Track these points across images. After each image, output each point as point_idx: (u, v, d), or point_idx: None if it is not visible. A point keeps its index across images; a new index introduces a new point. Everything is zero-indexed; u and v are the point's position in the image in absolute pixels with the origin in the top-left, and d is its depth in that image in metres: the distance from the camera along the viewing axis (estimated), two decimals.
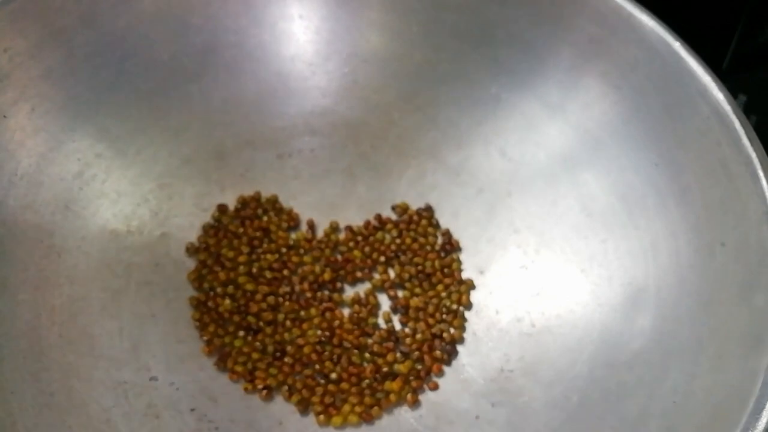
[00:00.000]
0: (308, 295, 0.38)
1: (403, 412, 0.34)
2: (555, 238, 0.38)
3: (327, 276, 0.38)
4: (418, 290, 0.38)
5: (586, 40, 0.38)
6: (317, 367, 0.35)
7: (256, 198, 0.41)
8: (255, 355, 0.35)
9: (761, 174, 0.31)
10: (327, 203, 0.41)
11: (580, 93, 0.38)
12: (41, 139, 0.37)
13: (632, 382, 0.31)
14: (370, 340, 0.36)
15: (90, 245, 0.37)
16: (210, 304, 0.37)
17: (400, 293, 0.38)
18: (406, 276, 0.39)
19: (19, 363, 0.32)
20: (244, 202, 0.40)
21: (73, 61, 0.38)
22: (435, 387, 0.35)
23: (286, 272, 0.38)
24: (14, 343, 0.32)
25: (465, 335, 0.37)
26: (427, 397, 0.35)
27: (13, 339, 0.32)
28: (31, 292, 0.34)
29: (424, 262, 0.39)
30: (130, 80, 0.39)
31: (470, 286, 0.38)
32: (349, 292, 0.38)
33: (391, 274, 0.39)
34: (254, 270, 0.38)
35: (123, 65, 0.39)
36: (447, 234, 0.40)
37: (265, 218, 0.40)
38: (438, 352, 0.36)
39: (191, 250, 0.38)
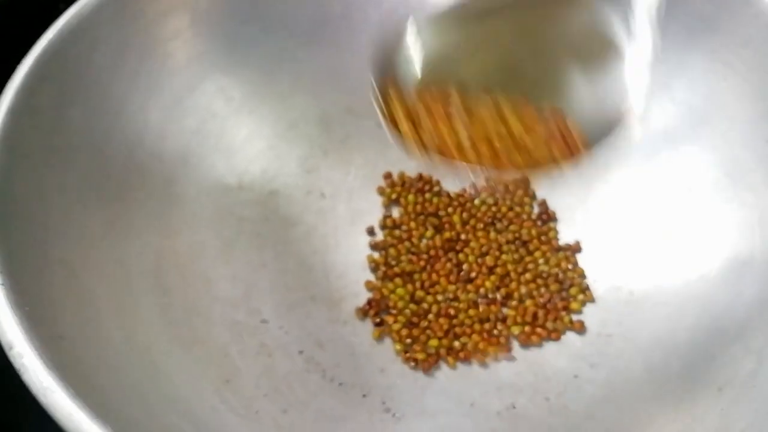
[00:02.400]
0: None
1: (501, 369, 0.35)
2: (653, 212, 0.38)
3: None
4: (515, 256, 0.38)
5: (695, 18, 0.37)
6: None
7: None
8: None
9: None
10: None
11: (686, 70, 0.38)
12: (167, 95, 0.38)
13: (738, 349, 0.31)
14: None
15: (206, 197, 0.38)
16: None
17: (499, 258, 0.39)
18: (503, 241, 0.39)
19: (149, 298, 0.33)
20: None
21: (198, 24, 0.39)
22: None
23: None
24: (143, 280, 0.34)
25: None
26: (524, 354, 0.35)
27: (142, 275, 0.34)
28: (156, 236, 0.35)
29: (521, 230, 0.39)
30: (247, 44, 0.41)
31: (576, 249, 0.39)
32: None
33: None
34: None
35: (242, 29, 0.41)
36: (543, 204, 0.40)
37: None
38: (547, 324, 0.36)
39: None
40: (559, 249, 0.39)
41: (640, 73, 0.32)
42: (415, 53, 0.34)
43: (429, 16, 0.34)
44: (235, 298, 0.36)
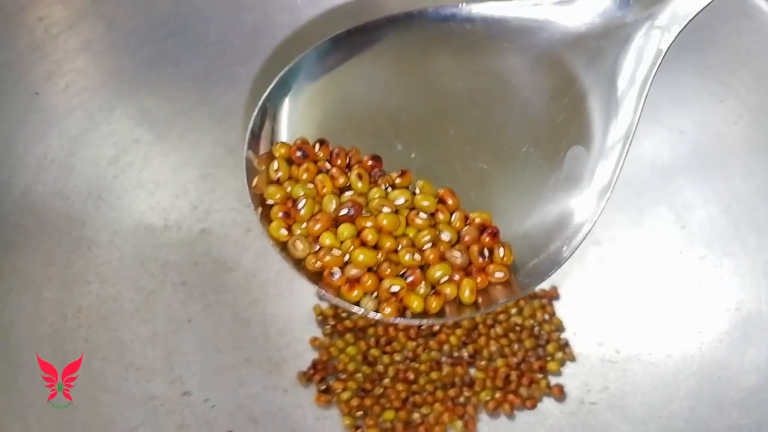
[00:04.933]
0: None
1: None
2: (642, 252, 0.32)
3: None
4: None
5: (687, 28, 0.32)
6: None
7: None
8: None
9: None
10: None
11: (677, 90, 0.32)
12: (75, 120, 0.32)
13: (748, 426, 0.25)
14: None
15: (123, 240, 0.32)
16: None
17: None
18: None
19: (39, 370, 0.27)
20: None
21: (114, 34, 0.33)
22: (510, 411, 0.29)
23: None
24: (35, 348, 0.27)
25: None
26: (494, 426, 0.29)
27: (35, 342, 0.27)
28: (57, 289, 0.29)
29: None
30: (175, 59, 0.34)
31: (553, 296, 0.33)
32: None
33: None
34: None
35: (168, 43, 0.34)
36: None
37: None
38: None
39: None
40: (534, 296, 0.33)
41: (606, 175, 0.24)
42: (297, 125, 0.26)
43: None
44: (153, 365, 0.29)
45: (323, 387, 0.30)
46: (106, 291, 0.30)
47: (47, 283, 0.29)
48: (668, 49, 0.24)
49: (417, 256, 0.23)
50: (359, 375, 0.31)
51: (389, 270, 0.23)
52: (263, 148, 0.25)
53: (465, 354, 0.31)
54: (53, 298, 0.29)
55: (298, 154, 0.24)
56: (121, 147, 0.33)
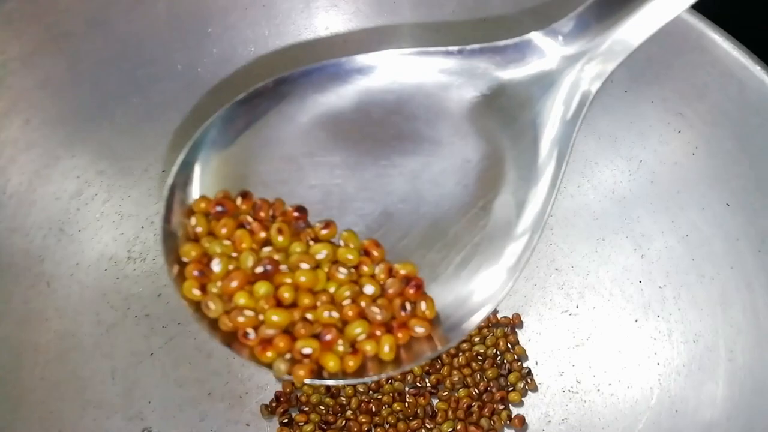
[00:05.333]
0: None
1: None
2: (603, 281, 0.32)
3: None
4: None
5: (643, 61, 0.32)
6: None
7: None
8: None
9: None
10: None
11: (635, 121, 0.32)
12: (35, 155, 0.31)
13: None
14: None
15: (84, 273, 0.32)
16: None
17: None
18: None
19: None
20: None
21: (75, 69, 0.32)
22: None
23: None
24: None
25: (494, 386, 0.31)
26: None
27: None
28: (13, 327, 0.29)
29: None
30: (139, 91, 0.34)
31: (517, 323, 0.32)
32: None
33: None
34: None
35: (132, 75, 0.34)
36: None
37: None
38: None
39: None
40: (498, 323, 0.33)
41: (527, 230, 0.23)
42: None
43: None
44: (112, 401, 0.29)
45: (285, 420, 0.30)
46: (65, 326, 0.30)
47: (2, 321, 0.29)
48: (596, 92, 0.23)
49: (335, 314, 0.22)
50: (322, 407, 0.31)
51: (303, 330, 0.21)
52: (183, 203, 0.23)
53: (427, 384, 0.31)
54: (9, 336, 0.28)
55: (218, 209, 0.23)
56: (84, 180, 0.33)
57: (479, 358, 0.32)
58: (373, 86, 0.24)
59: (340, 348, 0.22)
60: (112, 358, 0.30)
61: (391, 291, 0.23)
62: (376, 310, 0.22)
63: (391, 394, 0.31)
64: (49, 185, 0.32)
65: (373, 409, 0.30)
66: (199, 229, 0.23)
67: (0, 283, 0.29)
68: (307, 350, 0.21)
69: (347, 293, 0.22)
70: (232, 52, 0.36)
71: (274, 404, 0.30)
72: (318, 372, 0.22)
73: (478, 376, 0.31)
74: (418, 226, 0.24)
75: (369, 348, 0.22)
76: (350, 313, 0.22)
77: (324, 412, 0.30)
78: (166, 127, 0.35)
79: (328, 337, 0.21)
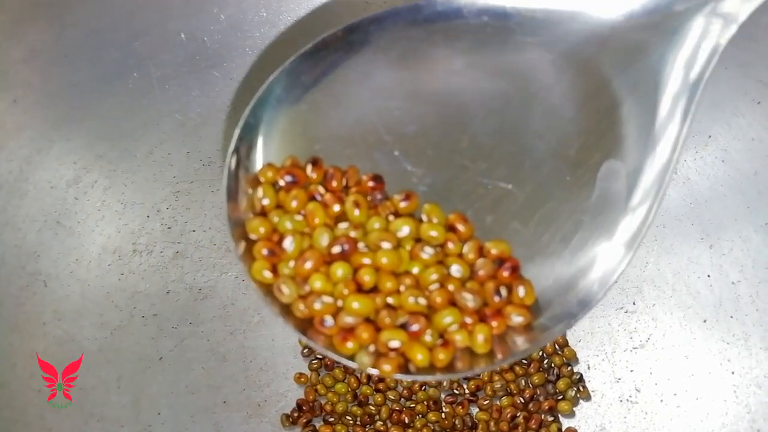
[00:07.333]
0: None
1: None
2: (664, 274, 0.28)
3: None
4: None
5: None
6: None
7: None
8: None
9: None
10: None
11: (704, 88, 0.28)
12: (25, 139, 0.28)
13: None
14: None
15: (85, 270, 0.28)
16: None
17: None
18: None
19: None
20: None
21: (66, 39, 0.28)
22: None
23: None
24: None
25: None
26: None
27: None
28: (7, 334, 0.26)
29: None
30: (139, 64, 0.30)
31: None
32: None
33: None
34: None
35: (131, 46, 0.30)
36: None
37: None
38: None
39: None
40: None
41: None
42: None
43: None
44: (118, 413, 0.26)
45: (309, 431, 0.27)
46: (65, 331, 0.27)
47: None
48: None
49: (422, 300, 0.19)
50: (348, 417, 0.27)
51: (388, 319, 0.19)
52: (248, 170, 0.20)
53: (465, 391, 0.28)
54: (2, 343, 0.25)
55: (287, 179, 0.20)
56: (81, 166, 0.29)
57: (523, 361, 0.28)
58: (463, 29, 0.21)
59: (428, 338, 0.19)
60: (118, 364, 0.27)
61: (482, 273, 0.19)
62: (468, 296, 0.19)
63: (425, 403, 0.27)
64: (42, 172, 0.28)
65: (406, 420, 0.27)
66: (266, 201, 0.20)
67: None
68: (395, 343, 0.18)
69: (434, 276, 0.19)
70: (242, 17, 0.31)
71: (295, 414, 0.27)
72: (404, 366, 0.19)
73: (523, 382, 0.28)
74: (509, 198, 0.20)
75: (461, 339, 0.19)
76: (438, 300, 0.19)
77: (351, 422, 0.27)
78: (171, 104, 0.31)
79: (416, 327, 0.19)
